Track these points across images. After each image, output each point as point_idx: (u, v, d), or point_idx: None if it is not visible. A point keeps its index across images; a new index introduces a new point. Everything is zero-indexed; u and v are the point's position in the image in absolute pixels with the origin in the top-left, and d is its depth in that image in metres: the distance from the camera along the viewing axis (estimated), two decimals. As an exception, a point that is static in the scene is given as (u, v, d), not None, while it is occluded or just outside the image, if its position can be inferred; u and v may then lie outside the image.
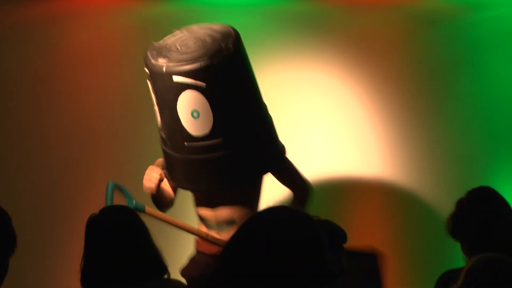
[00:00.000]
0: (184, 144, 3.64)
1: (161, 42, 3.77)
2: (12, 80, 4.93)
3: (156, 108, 3.75)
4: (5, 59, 4.93)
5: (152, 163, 3.98)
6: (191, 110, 3.59)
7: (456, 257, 3.30)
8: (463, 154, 4.92)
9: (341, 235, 3.27)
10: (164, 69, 3.58)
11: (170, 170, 3.84)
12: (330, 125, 4.92)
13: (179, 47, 3.67)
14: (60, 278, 4.65)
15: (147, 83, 3.78)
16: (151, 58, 3.66)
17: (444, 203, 3.99)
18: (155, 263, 2.83)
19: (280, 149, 3.92)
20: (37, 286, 4.76)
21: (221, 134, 3.63)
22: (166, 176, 3.89)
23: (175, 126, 3.64)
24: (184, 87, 3.57)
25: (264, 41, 4.89)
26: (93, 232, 2.84)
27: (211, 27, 3.77)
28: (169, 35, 3.81)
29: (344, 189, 4.90)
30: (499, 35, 4.98)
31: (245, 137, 3.71)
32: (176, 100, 3.58)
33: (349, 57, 4.93)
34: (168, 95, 3.61)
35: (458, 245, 3.20)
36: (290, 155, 4.69)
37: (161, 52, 3.67)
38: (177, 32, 3.81)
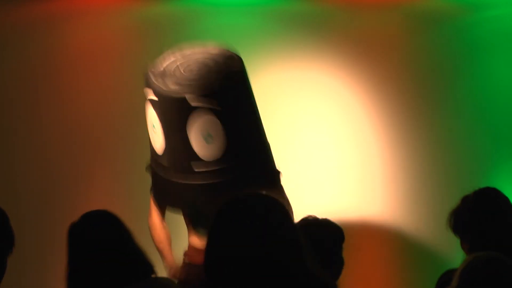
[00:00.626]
0: (193, 170, 3.64)
1: (158, 67, 3.76)
2: (12, 80, 4.93)
3: (155, 135, 3.73)
4: (5, 59, 4.93)
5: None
6: (205, 135, 3.59)
7: (457, 257, 3.30)
8: (463, 154, 4.92)
9: (339, 234, 3.28)
10: (179, 94, 3.58)
11: (166, 195, 3.83)
12: (330, 125, 4.91)
13: (183, 72, 3.67)
14: (60, 278, 4.64)
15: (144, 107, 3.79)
16: (160, 84, 3.65)
17: (444, 203, 3.98)
18: (141, 264, 2.82)
19: (277, 171, 3.95)
20: (36, 285, 4.76)
21: (234, 157, 3.65)
22: (157, 201, 3.88)
23: (184, 152, 3.64)
24: (200, 111, 3.57)
25: (264, 41, 4.89)
26: (76, 239, 2.83)
27: (207, 51, 3.79)
28: (164, 60, 3.80)
29: (344, 189, 4.90)
30: (499, 35, 4.98)
31: (254, 159, 3.74)
32: (190, 125, 3.58)
33: (349, 57, 4.93)
34: (181, 120, 3.60)
35: (458, 248, 3.20)
36: (290, 155, 4.70)
37: (168, 77, 3.67)
38: (170, 55, 3.81)
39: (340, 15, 5.00)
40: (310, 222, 3.25)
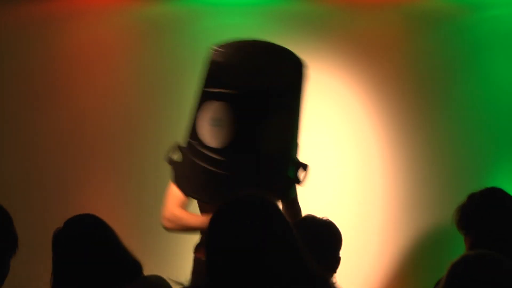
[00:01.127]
0: (259, 163, 3.59)
1: (225, 58, 3.66)
2: (11, 80, 4.93)
3: (213, 129, 3.63)
4: (4, 59, 4.93)
5: (150, 163, 3.97)
6: (272, 130, 3.59)
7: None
8: (463, 154, 4.92)
9: (337, 233, 3.28)
10: (255, 88, 3.54)
11: (208, 189, 3.70)
12: (330, 125, 4.91)
13: (254, 66, 3.61)
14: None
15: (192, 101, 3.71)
16: (233, 77, 3.57)
17: (445, 203, 3.98)
18: (129, 264, 2.81)
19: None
20: (35, 286, 4.75)
21: (290, 151, 3.65)
22: (190, 194, 3.76)
23: (250, 145, 3.57)
24: (272, 106, 3.55)
25: (264, 41, 4.89)
26: (61, 245, 2.82)
27: (268, 45, 3.74)
28: (228, 51, 3.68)
29: (344, 189, 4.90)
30: (499, 35, 4.98)
31: (296, 151, 3.77)
32: (261, 120, 3.54)
33: (349, 57, 4.93)
34: (253, 114, 3.54)
35: (458, 248, 3.20)
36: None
37: (240, 70, 3.60)
38: (223, 50, 3.74)
39: (340, 15, 5.00)
40: (309, 221, 3.25)
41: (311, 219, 3.28)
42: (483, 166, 4.90)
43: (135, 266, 2.83)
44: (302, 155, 4.42)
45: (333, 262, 3.25)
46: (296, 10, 4.98)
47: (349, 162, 4.90)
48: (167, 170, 3.79)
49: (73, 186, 4.84)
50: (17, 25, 4.93)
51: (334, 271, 3.27)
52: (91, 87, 4.93)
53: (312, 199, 4.63)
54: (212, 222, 1.98)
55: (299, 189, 3.87)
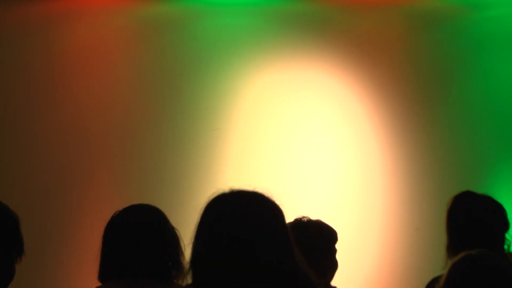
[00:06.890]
0: None
1: None
2: (10, 80, 4.92)
3: None
4: (3, 59, 4.92)
5: (150, 163, 3.96)
6: None
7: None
8: (463, 154, 4.92)
9: (332, 235, 3.28)
10: None
11: None
12: (330, 125, 4.92)
13: None
14: (58, 278, 4.64)
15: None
16: None
17: (445, 204, 3.98)
18: (159, 266, 2.75)
19: None
20: (36, 286, 4.75)
21: None
22: None
23: None
24: None
25: (264, 41, 4.89)
26: (113, 225, 2.82)
27: None
28: None
29: (344, 189, 4.90)
30: (499, 35, 4.99)
31: None
32: None
33: (349, 57, 4.93)
34: None
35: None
36: (290, 155, 4.68)
37: None
38: None
39: (340, 15, 5.00)
40: (303, 222, 3.25)
41: (305, 220, 3.27)
42: (483, 166, 4.90)
43: (171, 269, 2.75)
44: (302, 155, 4.45)
45: (328, 263, 3.24)
46: (296, 10, 4.99)
47: (350, 162, 4.90)
48: (167, 169, 3.79)
49: (74, 186, 4.83)
50: (17, 25, 4.92)
51: (331, 274, 3.26)
52: (91, 87, 4.93)
53: (313, 199, 4.63)
54: (200, 215, 1.97)
55: (299, 189, 3.88)
